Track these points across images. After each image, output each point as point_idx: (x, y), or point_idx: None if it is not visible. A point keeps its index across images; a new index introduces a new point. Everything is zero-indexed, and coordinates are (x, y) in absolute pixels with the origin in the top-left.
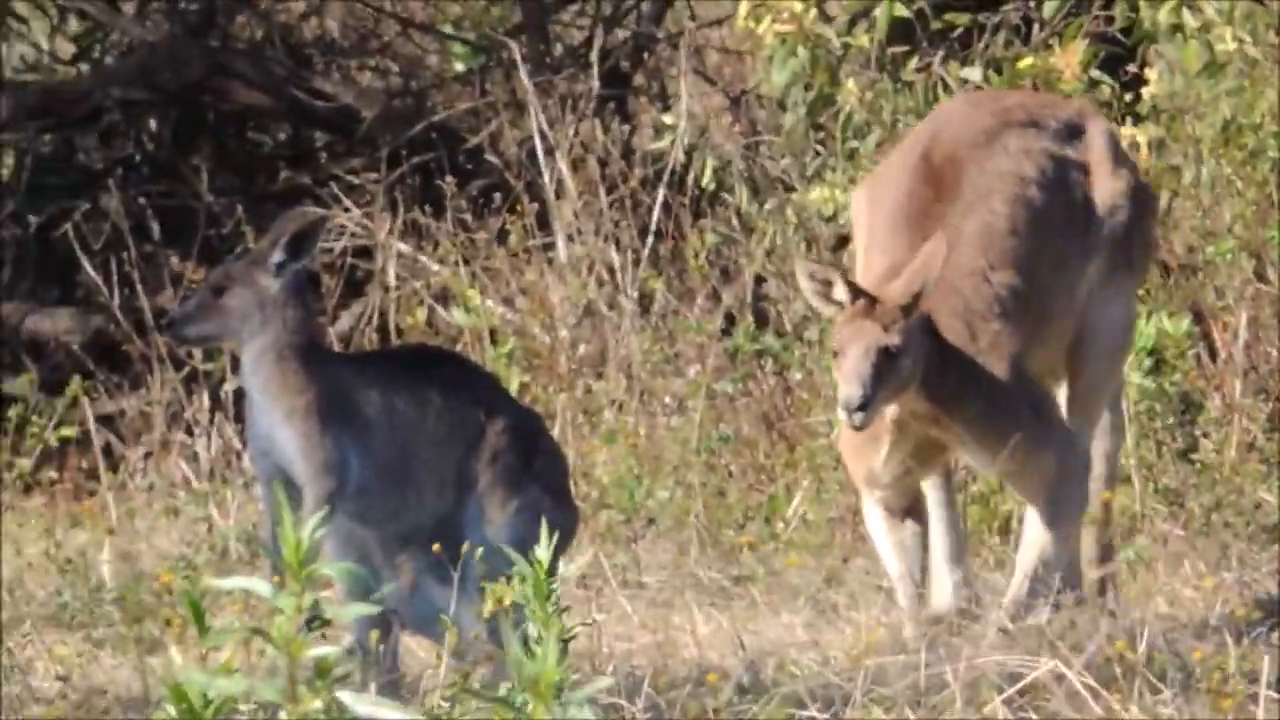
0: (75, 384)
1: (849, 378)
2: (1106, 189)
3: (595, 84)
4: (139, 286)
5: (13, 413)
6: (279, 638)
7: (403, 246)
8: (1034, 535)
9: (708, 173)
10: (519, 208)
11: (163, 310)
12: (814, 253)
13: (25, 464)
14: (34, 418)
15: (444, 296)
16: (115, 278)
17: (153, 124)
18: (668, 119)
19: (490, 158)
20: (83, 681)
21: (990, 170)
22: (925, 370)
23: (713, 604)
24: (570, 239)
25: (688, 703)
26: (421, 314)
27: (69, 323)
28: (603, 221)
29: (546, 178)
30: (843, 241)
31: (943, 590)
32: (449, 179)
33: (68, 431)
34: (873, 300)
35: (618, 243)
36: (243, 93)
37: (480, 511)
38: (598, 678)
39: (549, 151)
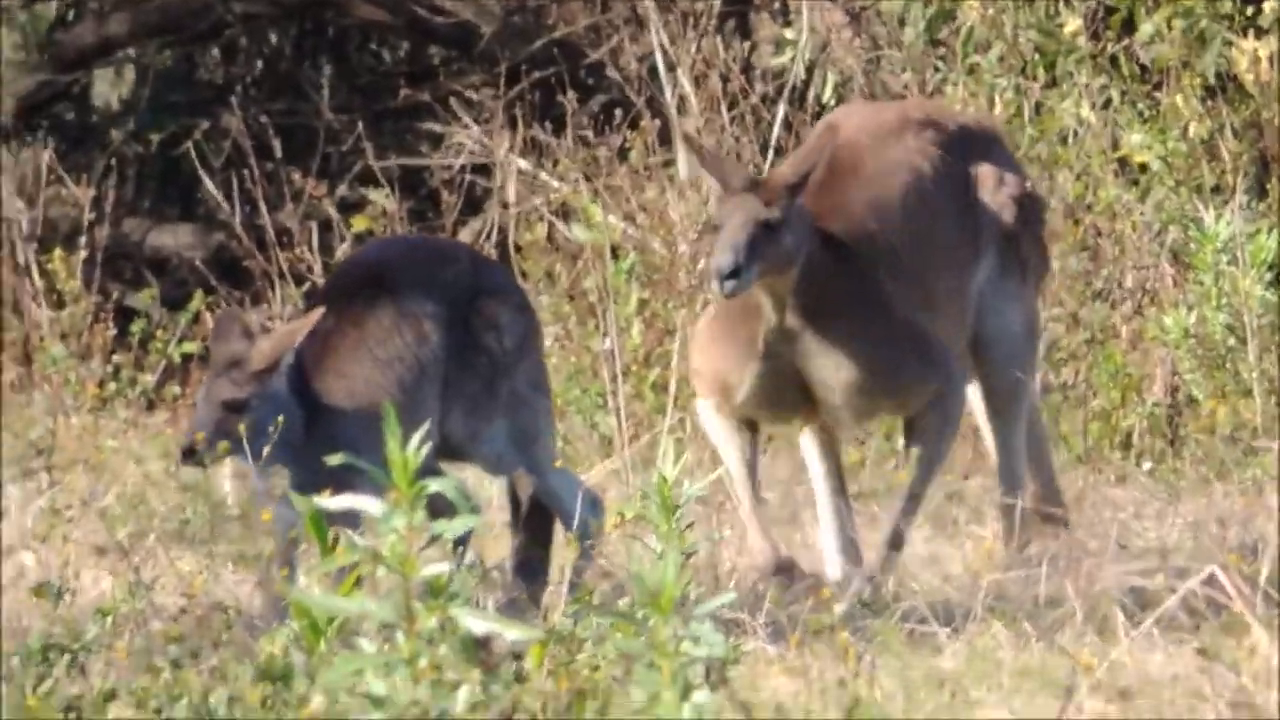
0: (197, 299)
1: (723, 247)
2: (995, 195)
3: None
4: (260, 203)
5: (135, 328)
6: (392, 558)
7: (522, 163)
8: (919, 471)
9: (829, 88)
10: (640, 124)
11: (284, 228)
12: None
13: (148, 379)
14: (157, 333)
15: (564, 212)
16: (236, 194)
17: (273, 40)
18: (788, 34)
19: (611, 74)
20: (205, 598)
21: (888, 158)
22: (806, 278)
23: None
24: None
25: (808, 617)
26: (541, 230)
27: (190, 239)
28: (724, 138)
29: (668, 94)
30: None
31: (831, 563)
32: (569, 95)
33: (190, 347)
34: (757, 180)
35: (738, 159)
36: (362, 8)
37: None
38: (720, 593)
39: (670, 68)
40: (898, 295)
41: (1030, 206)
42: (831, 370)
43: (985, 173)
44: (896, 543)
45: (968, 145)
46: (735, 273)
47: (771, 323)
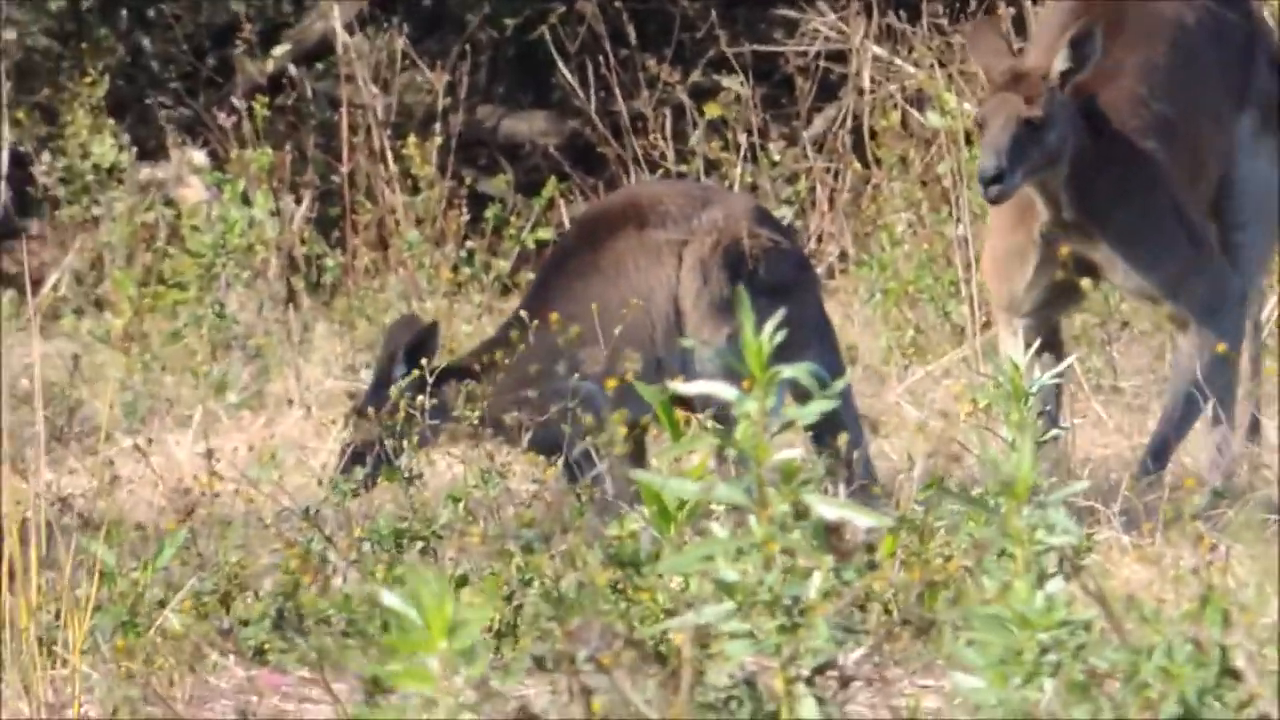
0: (551, 186)
1: (987, 149)
2: (1261, 47)
3: None
4: (615, 90)
5: (489, 214)
6: (744, 441)
7: (877, 50)
8: (1187, 362)
9: None
10: (995, 11)
11: (638, 114)
12: None
13: (503, 265)
14: (511, 219)
15: (919, 99)
16: (591, 81)
17: None
18: None
19: None
20: (555, 484)
21: (1152, 12)
22: (1076, 171)
23: None
24: None
25: (1164, 507)
26: (896, 117)
27: (544, 125)
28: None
29: None
30: None
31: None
32: None
33: (544, 234)
34: (1020, 73)
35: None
36: None
37: None
38: (1072, 481)
39: None
40: (1173, 171)
41: None
42: (1109, 260)
43: (1252, 28)
44: (1158, 454)
45: None
46: (999, 176)
47: (1046, 217)
